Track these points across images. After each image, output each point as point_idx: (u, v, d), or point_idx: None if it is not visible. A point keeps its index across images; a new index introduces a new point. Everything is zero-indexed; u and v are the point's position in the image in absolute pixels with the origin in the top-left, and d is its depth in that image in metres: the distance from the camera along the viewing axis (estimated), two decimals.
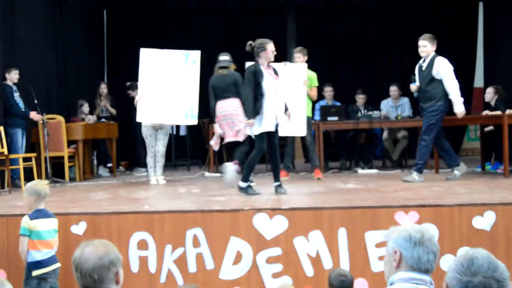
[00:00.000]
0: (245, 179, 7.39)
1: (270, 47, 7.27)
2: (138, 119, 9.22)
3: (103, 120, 11.35)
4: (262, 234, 5.94)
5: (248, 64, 7.96)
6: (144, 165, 11.42)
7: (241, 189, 7.37)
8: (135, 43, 13.75)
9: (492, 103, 10.00)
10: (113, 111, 11.81)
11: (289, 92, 9.19)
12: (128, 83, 11.80)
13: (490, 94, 10.10)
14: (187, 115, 9.26)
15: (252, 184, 7.65)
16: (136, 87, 11.62)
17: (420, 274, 2.74)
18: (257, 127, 7.21)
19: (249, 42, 7.34)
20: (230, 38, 12.94)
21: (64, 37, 11.21)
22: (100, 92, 11.57)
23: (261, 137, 7.23)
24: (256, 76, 7.16)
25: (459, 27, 13.85)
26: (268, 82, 7.20)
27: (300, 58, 9.53)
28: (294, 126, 9.18)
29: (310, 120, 9.50)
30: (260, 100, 7.15)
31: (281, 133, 9.19)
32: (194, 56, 9.33)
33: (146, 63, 9.25)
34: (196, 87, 9.28)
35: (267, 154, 7.94)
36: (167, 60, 9.29)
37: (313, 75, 9.48)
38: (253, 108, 7.15)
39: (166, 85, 9.23)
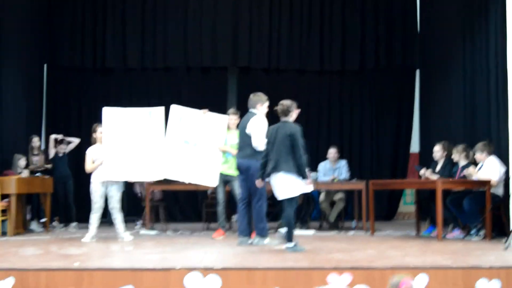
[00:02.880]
0: (290, 238, 7.54)
1: (296, 107, 7.80)
2: (103, 177, 9.09)
3: (38, 174, 11.15)
4: None
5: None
6: (75, 220, 11.32)
7: (290, 248, 7.49)
8: (75, 98, 13.75)
9: (440, 162, 10.01)
10: (48, 166, 11.65)
11: (206, 141, 9.36)
12: (59, 138, 11.78)
13: (438, 153, 10.03)
14: (155, 171, 9.37)
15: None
16: (67, 143, 11.65)
17: None
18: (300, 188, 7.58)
19: (281, 102, 7.77)
20: (173, 95, 12.95)
21: (2, 88, 11.05)
22: (33, 145, 11.35)
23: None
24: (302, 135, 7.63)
25: (397, 92, 14.20)
26: None
27: (234, 119, 9.65)
28: (207, 176, 9.35)
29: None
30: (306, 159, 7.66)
31: (193, 181, 9.35)
32: (157, 113, 9.44)
33: (110, 121, 9.26)
34: (162, 143, 9.37)
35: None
36: (131, 118, 9.37)
37: None
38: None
39: (132, 142, 9.28)
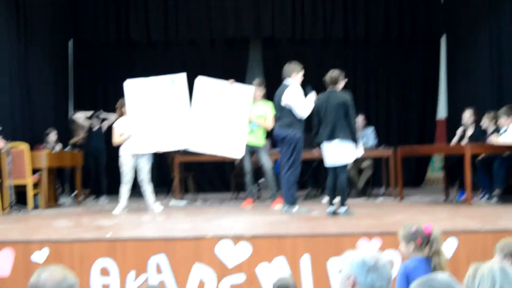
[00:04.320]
0: (344, 203, 7.85)
1: (344, 77, 8.03)
2: (133, 150, 9.15)
3: (68, 148, 11.29)
4: (226, 261, 5.93)
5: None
6: (106, 193, 11.44)
7: (344, 212, 7.80)
8: (101, 73, 13.82)
9: (470, 128, 9.91)
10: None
11: (232, 112, 9.37)
12: (89, 113, 11.87)
13: (470, 118, 9.91)
14: (183, 139, 9.39)
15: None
16: (97, 117, 11.69)
17: None
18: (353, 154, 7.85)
19: (329, 72, 7.98)
20: (196, 69, 12.96)
21: (29, 65, 11.15)
22: (49, 139, 11.17)
23: None
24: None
25: (423, 59, 14.08)
26: None
27: (259, 91, 9.65)
28: (233, 148, 9.38)
29: (265, 148, 9.72)
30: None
31: (218, 152, 9.39)
32: (180, 80, 9.40)
33: (133, 93, 9.27)
34: (187, 110, 9.38)
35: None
36: (154, 87, 9.34)
37: (269, 105, 9.58)
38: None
39: (158, 112, 9.30)
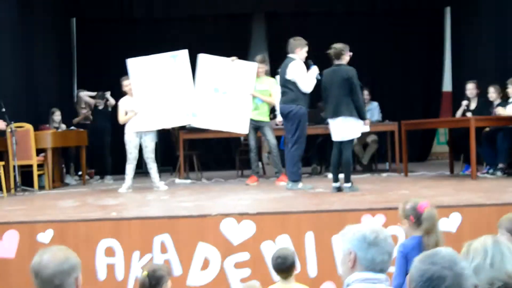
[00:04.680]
0: (349, 179, 7.78)
1: (348, 50, 7.85)
2: (137, 128, 9.14)
3: (72, 128, 11.29)
4: (230, 239, 5.94)
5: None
6: (111, 172, 11.45)
7: (348, 188, 7.75)
8: (103, 51, 13.77)
9: (474, 100, 9.86)
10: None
11: (235, 88, 9.36)
12: (94, 93, 11.84)
13: (473, 91, 9.87)
14: (188, 114, 9.40)
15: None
16: (103, 97, 11.65)
17: (375, 273, 2.75)
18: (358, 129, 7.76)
19: (333, 45, 7.80)
20: (199, 45, 12.89)
21: (32, 45, 11.13)
22: (54, 118, 11.16)
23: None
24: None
25: (427, 32, 13.98)
26: None
27: (261, 67, 9.62)
28: (237, 124, 9.37)
29: (270, 124, 9.66)
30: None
31: (224, 128, 9.38)
32: (182, 56, 9.38)
33: (135, 72, 9.25)
34: (191, 86, 9.37)
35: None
36: (156, 65, 9.32)
37: (273, 81, 9.53)
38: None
39: (161, 89, 9.28)
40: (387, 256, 2.78)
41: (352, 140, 7.86)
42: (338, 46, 7.80)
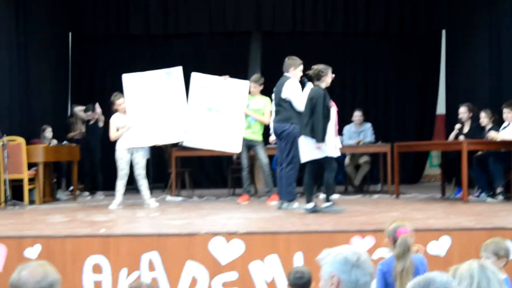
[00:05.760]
0: (329, 198, 7.75)
1: (331, 72, 7.74)
2: (129, 144, 9.12)
3: (65, 142, 11.26)
4: (218, 259, 5.91)
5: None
6: (101, 188, 11.41)
7: (327, 208, 7.66)
8: (99, 66, 13.79)
9: (467, 124, 9.83)
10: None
11: (228, 107, 9.37)
12: (84, 106, 11.85)
13: (464, 114, 9.82)
14: (180, 132, 9.40)
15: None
16: (93, 109, 11.64)
17: None
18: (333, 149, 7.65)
19: (313, 67, 7.77)
20: (196, 62, 12.91)
21: (27, 59, 11.11)
22: (45, 135, 11.03)
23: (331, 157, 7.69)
24: (326, 100, 7.56)
25: (422, 54, 14.02)
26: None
27: (256, 87, 9.63)
28: (230, 142, 9.37)
29: (262, 143, 9.66)
30: (326, 123, 7.56)
31: (216, 147, 9.37)
32: (176, 73, 9.41)
33: (130, 87, 9.27)
34: (184, 103, 9.37)
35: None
36: (151, 81, 9.35)
37: (267, 100, 9.54)
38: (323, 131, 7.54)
39: (154, 105, 9.29)
40: (369, 277, 2.77)
41: (331, 162, 7.70)
42: (317, 67, 7.76)
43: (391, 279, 4.29)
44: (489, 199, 8.77)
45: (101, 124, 11.72)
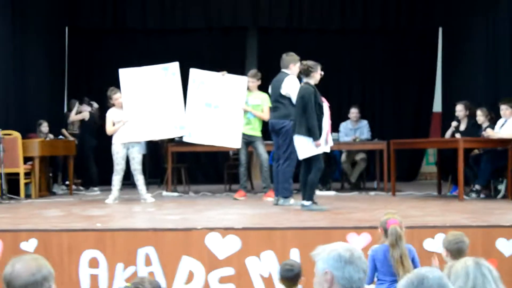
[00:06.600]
0: (310, 197, 7.64)
1: (320, 69, 7.70)
2: (125, 139, 9.12)
3: (61, 137, 11.24)
4: (215, 254, 5.91)
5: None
6: (99, 183, 11.38)
7: (304, 206, 7.60)
8: (96, 60, 13.75)
9: (464, 121, 9.84)
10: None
11: (227, 102, 9.37)
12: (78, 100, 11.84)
13: (461, 112, 9.79)
14: (176, 127, 9.39)
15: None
16: (88, 103, 11.63)
17: None
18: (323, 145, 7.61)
19: (302, 62, 7.77)
20: (192, 57, 12.89)
21: (23, 53, 11.09)
22: (42, 129, 10.97)
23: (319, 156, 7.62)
24: (317, 97, 7.53)
25: (419, 51, 14.04)
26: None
27: (254, 82, 9.62)
28: (229, 138, 9.38)
29: (261, 139, 9.64)
30: (321, 120, 7.53)
31: (215, 143, 9.36)
32: (173, 69, 9.42)
33: (127, 82, 9.27)
34: (180, 99, 9.36)
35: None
36: (147, 76, 9.35)
37: (265, 96, 9.53)
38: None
39: (151, 101, 9.29)
40: (362, 273, 2.78)
41: (318, 159, 7.64)
42: (307, 62, 7.72)
43: (379, 264, 4.80)
44: (465, 197, 8.75)
45: (96, 118, 11.70)
